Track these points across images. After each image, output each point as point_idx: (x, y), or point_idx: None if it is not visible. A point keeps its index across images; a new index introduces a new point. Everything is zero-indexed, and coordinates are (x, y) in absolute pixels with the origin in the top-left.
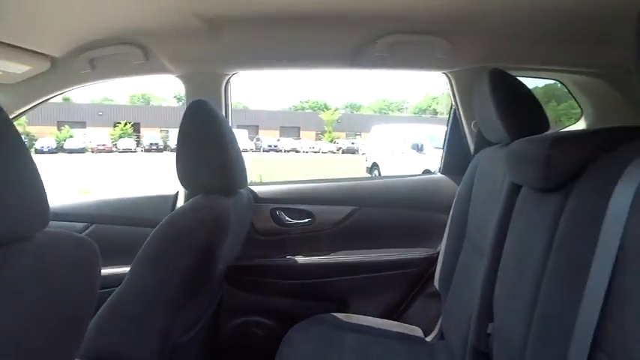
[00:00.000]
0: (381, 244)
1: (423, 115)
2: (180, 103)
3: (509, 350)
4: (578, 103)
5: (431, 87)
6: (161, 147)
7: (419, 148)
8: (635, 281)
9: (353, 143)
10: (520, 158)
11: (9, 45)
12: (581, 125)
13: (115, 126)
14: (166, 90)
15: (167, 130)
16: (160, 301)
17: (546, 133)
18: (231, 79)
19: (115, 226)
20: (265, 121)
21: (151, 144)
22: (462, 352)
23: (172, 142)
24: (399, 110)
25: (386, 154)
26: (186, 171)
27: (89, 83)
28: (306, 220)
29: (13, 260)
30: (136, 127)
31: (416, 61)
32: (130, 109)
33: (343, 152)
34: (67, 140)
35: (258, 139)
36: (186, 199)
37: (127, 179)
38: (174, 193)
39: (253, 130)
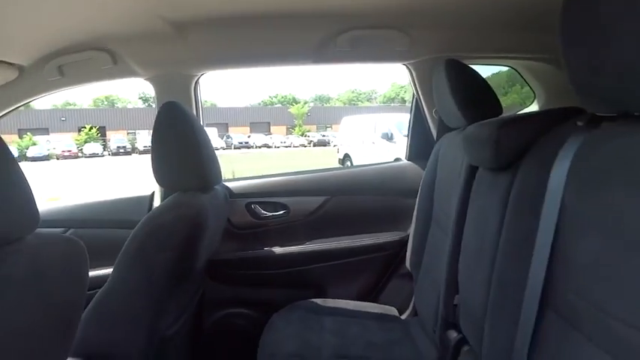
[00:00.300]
0: (354, 230)
1: (392, 104)
2: (146, 104)
3: (473, 318)
4: (530, 87)
5: (398, 76)
6: (129, 150)
7: (389, 137)
8: (572, 243)
9: (324, 136)
10: (474, 141)
11: None
12: (534, 108)
13: (79, 131)
14: (131, 91)
15: (134, 133)
16: (145, 295)
17: (500, 116)
18: (199, 79)
19: (93, 229)
20: (235, 118)
21: (119, 147)
22: (434, 324)
23: (140, 144)
24: (368, 101)
25: (357, 145)
26: (162, 170)
27: (58, 90)
28: (281, 212)
29: (8, 261)
30: (102, 131)
31: (376, 54)
32: (94, 113)
33: (315, 145)
34: (30, 148)
35: (228, 137)
36: (163, 197)
37: (97, 184)
38: (150, 193)
39: (223, 127)
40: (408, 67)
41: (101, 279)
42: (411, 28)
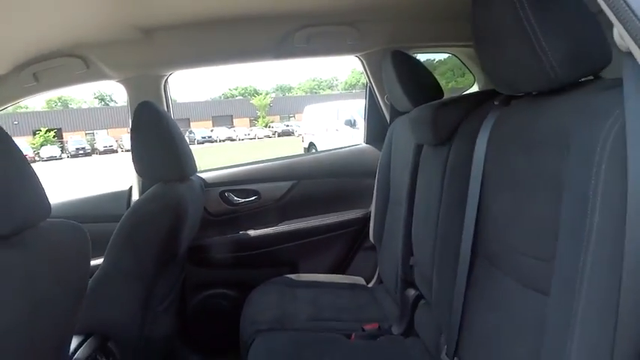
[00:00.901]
0: (321, 210)
1: (354, 91)
2: (102, 103)
3: (424, 274)
4: (470, 71)
5: (358, 63)
6: (88, 150)
7: (352, 124)
8: (491, 200)
9: (288, 126)
10: (417, 122)
11: None
12: (475, 89)
13: (34, 134)
14: (85, 92)
15: (93, 133)
16: (137, 276)
17: (438, 100)
18: (168, 79)
19: None
20: (196, 113)
21: (77, 149)
22: (395, 287)
23: (100, 144)
24: (329, 88)
25: (321, 133)
26: (143, 163)
27: (34, 95)
28: (253, 198)
29: (27, 245)
30: (59, 133)
31: (330, 48)
32: (48, 115)
33: (279, 135)
34: None
35: (190, 132)
36: (144, 189)
37: (60, 187)
38: (128, 188)
39: (184, 123)
40: (359, 59)
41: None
42: (359, 22)
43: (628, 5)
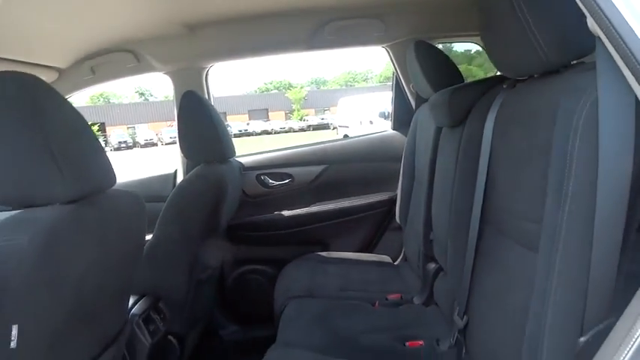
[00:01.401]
0: (350, 193)
1: (388, 83)
2: (143, 98)
3: (440, 244)
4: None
5: None
6: (130, 144)
7: (386, 116)
8: (497, 173)
9: (322, 119)
10: (435, 106)
11: (21, 62)
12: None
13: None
14: (126, 87)
15: (134, 127)
16: (184, 246)
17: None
18: (209, 71)
19: None
20: (232, 107)
21: (120, 142)
22: (417, 262)
23: (140, 138)
24: (364, 81)
25: (355, 125)
26: (188, 146)
27: (90, 87)
28: (287, 181)
29: (99, 206)
30: (102, 127)
31: (358, 39)
32: (93, 110)
33: (314, 129)
34: None
35: (227, 125)
36: (189, 169)
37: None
38: (174, 171)
39: (221, 116)
40: (386, 49)
41: None
42: (385, 15)
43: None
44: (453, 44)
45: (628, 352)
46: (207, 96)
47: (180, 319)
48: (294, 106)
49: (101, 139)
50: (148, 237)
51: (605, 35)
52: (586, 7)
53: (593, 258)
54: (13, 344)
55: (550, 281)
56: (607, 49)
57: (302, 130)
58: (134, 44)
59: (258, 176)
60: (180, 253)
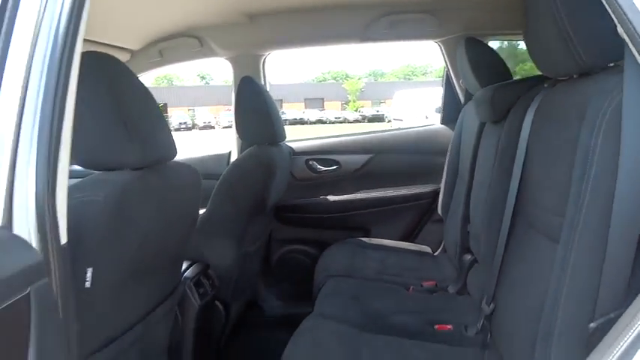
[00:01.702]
0: (395, 183)
1: None
2: (204, 82)
3: (476, 237)
4: None
5: None
6: (189, 125)
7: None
8: (530, 169)
9: (378, 111)
10: (479, 101)
11: (98, 42)
12: None
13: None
14: (189, 70)
15: (193, 109)
16: (234, 219)
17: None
18: (267, 58)
19: None
20: (289, 95)
21: (180, 123)
22: (455, 253)
23: (199, 120)
24: (423, 75)
25: (410, 119)
26: (243, 128)
27: (157, 68)
28: (334, 167)
29: (162, 175)
30: (164, 108)
31: (412, 33)
32: (156, 91)
33: (369, 121)
34: None
35: (282, 112)
36: (243, 149)
37: None
38: (228, 152)
39: (277, 103)
40: (438, 44)
41: None
42: (438, 11)
43: (620, 7)
44: (518, 42)
45: (625, 342)
46: (263, 82)
47: (227, 287)
48: (350, 97)
49: None
50: (202, 211)
51: (631, 41)
52: (615, 16)
53: (609, 251)
54: (87, 284)
55: (565, 270)
56: (633, 54)
57: (357, 121)
58: (199, 30)
59: (307, 161)
60: (230, 227)
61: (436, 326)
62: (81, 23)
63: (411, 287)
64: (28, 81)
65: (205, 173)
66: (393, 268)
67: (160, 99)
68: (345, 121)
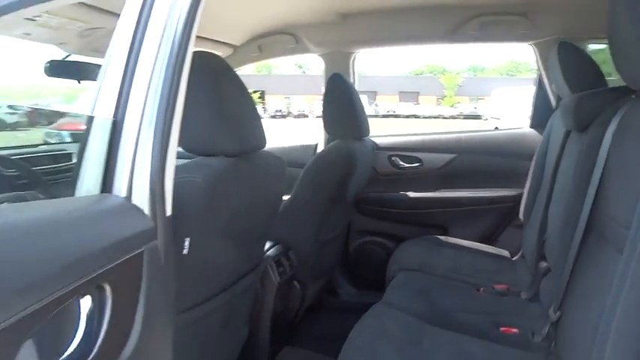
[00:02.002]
0: (477, 184)
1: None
2: (301, 71)
3: (551, 244)
4: None
5: None
6: (284, 113)
7: None
8: (607, 183)
9: (475, 108)
10: (565, 109)
11: (206, 38)
12: None
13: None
14: (287, 59)
15: (289, 98)
16: (314, 207)
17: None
18: (356, 56)
19: None
20: (383, 87)
21: (276, 111)
22: (531, 260)
23: (294, 108)
24: (529, 71)
25: (507, 118)
26: (329, 122)
27: (255, 62)
28: (416, 165)
29: (252, 162)
30: (262, 95)
31: (502, 36)
32: (257, 78)
33: (465, 117)
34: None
35: (375, 105)
36: (328, 142)
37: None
38: (315, 143)
39: (371, 95)
40: (532, 47)
41: None
42: (531, 13)
43: None
44: None
45: None
46: (352, 78)
47: (305, 269)
48: (446, 92)
49: (260, 107)
50: (287, 197)
51: None
52: None
53: None
54: (185, 251)
55: (624, 282)
56: None
57: (452, 117)
58: (295, 28)
59: (389, 157)
60: (310, 213)
61: (502, 329)
62: (194, 26)
63: (482, 288)
64: (151, 76)
65: (293, 161)
66: (466, 268)
67: (259, 86)
68: (439, 116)
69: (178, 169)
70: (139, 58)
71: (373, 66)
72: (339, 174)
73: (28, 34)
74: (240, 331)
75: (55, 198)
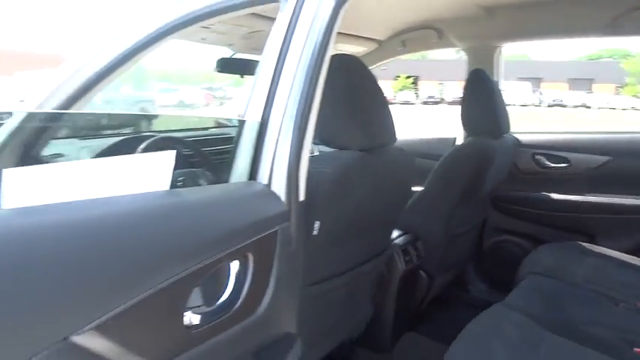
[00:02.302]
0: (633, 191)
1: None
2: (458, 56)
3: None
4: None
5: None
6: (437, 100)
7: None
8: None
9: None
10: None
11: (352, 35)
12: None
13: (395, 79)
14: None
15: (443, 83)
16: (445, 199)
17: None
18: (501, 50)
19: None
20: (550, 73)
21: (429, 97)
22: None
23: (447, 95)
24: None
25: None
26: (467, 118)
27: (397, 57)
28: (564, 165)
29: (379, 157)
30: (415, 81)
31: None
32: (410, 63)
33: None
34: None
35: (540, 93)
36: (464, 139)
37: (407, 128)
38: (453, 137)
39: (535, 82)
40: None
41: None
42: None
43: None
44: None
45: None
46: (495, 73)
47: (433, 260)
48: (627, 79)
49: (412, 92)
50: (420, 188)
51: None
52: None
53: None
54: (315, 232)
55: None
56: None
57: (634, 109)
58: (438, 22)
59: (533, 155)
60: (441, 206)
61: (636, 349)
62: (333, 31)
63: (622, 304)
64: (294, 79)
65: (430, 153)
66: (608, 280)
67: (412, 72)
68: (615, 108)
69: (312, 160)
70: (285, 62)
71: (539, 50)
72: (473, 169)
73: (204, 39)
74: (363, 310)
75: (216, 176)
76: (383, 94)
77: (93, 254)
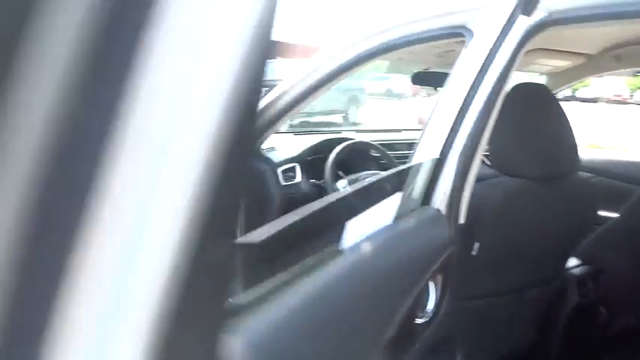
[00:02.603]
0: None
1: None
2: None
3: None
4: None
5: None
6: None
7: None
8: None
9: None
10: None
11: (558, 50)
12: None
13: (636, 75)
14: None
15: None
16: (637, 234)
17: None
18: None
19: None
20: None
21: None
22: None
23: None
24: None
25: None
26: None
27: (608, 72)
28: None
29: (558, 188)
30: None
31: None
32: None
33: None
34: (581, 89)
35: None
36: None
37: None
38: None
39: None
40: None
41: None
42: None
43: None
44: None
45: None
46: None
47: (616, 297)
48: None
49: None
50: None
51: None
52: None
53: None
54: (474, 253)
55: None
56: None
57: None
58: None
59: None
60: (634, 239)
61: None
62: (513, 68)
63: None
64: (476, 115)
65: (628, 177)
66: None
67: None
68: None
69: (480, 186)
70: (470, 103)
71: None
72: None
73: (400, 59)
74: (525, 334)
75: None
76: (567, 123)
77: (386, 281)
